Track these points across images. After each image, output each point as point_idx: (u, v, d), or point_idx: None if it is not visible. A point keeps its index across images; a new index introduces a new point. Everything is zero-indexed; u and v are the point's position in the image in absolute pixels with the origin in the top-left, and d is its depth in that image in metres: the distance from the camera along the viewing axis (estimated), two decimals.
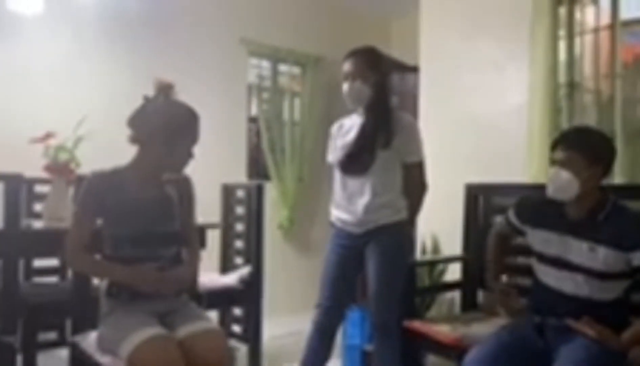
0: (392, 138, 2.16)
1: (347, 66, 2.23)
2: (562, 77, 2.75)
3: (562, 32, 2.76)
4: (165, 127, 1.76)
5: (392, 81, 4.36)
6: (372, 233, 2.19)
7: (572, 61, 2.75)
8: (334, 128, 2.40)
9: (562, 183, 1.76)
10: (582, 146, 1.77)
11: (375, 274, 2.19)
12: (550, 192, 1.81)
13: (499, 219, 2.16)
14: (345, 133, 2.30)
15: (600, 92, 2.68)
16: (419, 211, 2.31)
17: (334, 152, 2.32)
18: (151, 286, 1.75)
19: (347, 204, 2.23)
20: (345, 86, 2.22)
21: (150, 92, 1.86)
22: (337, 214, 2.29)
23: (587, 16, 2.77)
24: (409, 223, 2.28)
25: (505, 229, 2.10)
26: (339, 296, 2.27)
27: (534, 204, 1.99)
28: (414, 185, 2.26)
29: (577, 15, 2.77)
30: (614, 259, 1.72)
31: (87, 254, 1.77)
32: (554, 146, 1.83)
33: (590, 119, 2.66)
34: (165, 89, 1.82)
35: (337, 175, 2.29)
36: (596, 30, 2.72)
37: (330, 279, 2.28)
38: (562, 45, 2.76)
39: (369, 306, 2.24)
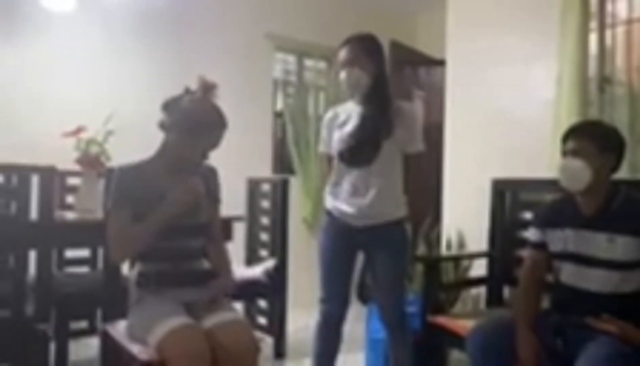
0: (393, 127, 2.10)
1: (344, 53, 2.17)
2: (592, 71, 2.69)
3: (592, 25, 2.70)
4: (188, 121, 1.79)
5: (418, 73, 4.35)
6: (374, 230, 2.13)
7: (603, 54, 2.69)
8: (328, 117, 2.31)
9: (575, 171, 1.76)
10: (592, 135, 1.79)
11: (387, 276, 2.16)
12: (564, 182, 1.80)
13: (524, 253, 2.07)
14: (342, 124, 2.21)
15: (632, 85, 2.62)
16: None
17: (333, 144, 2.21)
18: (185, 198, 1.79)
19: (350, 196, 2.14)
20: (343, 73, 2.15)
21: (177, 88, 1.89)
22: (337, 205, 2.19)
23: (619, 8, 2.70)
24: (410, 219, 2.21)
25: (536, 258, 1.97)
26: (341, 288, 2.22)
27: (548, 207, 2.00)
28: (411, 176, 2.19)
29: (609, 6, 2.71)
30: (633, 247, 1.71)
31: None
32: (565, 138, 1.84)
33: (621, 113, 2.60)
34: (207, 88, 1.85)
35: (338, 166, 2.20)
36: (629, 22, 2.66)
37: (330, 273, 2.23)
38: (592, 38, 2.70)
39: (378, 304, 2.22)
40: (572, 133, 1.83)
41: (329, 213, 2.25)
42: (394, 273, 2.17)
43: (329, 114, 2.32)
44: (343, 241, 2.20)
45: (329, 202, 2.24)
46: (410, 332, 2.25)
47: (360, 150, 2.11)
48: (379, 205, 2.11)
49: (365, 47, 2.16)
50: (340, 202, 2.18)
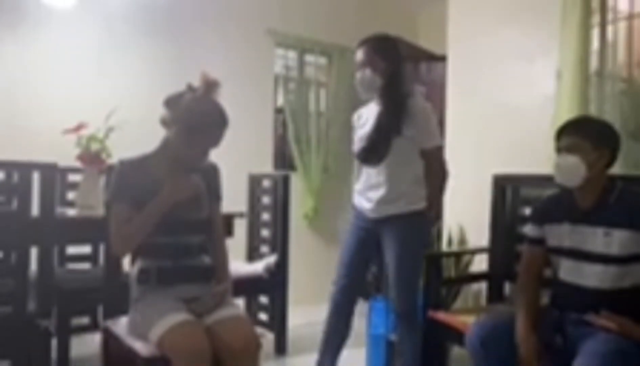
0: (403, 125, 2.15)
1: (358, 55, 2.23)
2: (593, 66, 2.68)
3: (594, 20, 2.69)
4: (189, 119, 1.78)
5: (419, 69, 4.35)
6: (388, 220, 2.23)
7: (604, 49, 2.68)
8: (354, 118, 2.43)
9: (569, 167, 1.76)
10: (585, 130, 1.79)
11: (395, 265, 2.23)
12: (559, 179, 1.81)
13: (523, 248, 2.06)
14: (363, 124, 2.32)
15: (633, 80, 2.62)
16: (441, 197, 2.31)
17: (355, 143, 2.36)
18: (178, 194, 1.79)
19: (366, 192, 2.28)
20: (357, 75, 2.23)
21: (178, 85, 1.89)
22: (358, 200, 2.35)
23: (621, 3, 2.69)
24: (430, 211, 2.27)
25: (533, 254, 1.98)
26: (354, 275, 2.32)
27: (546, 202, 2.01)
28: (433, 171, 2.25)
29: (610, 1, 2.70)
30: (630, 241, 1.71)
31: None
32: (558, 135, 1.85)
33: (621, 109, 2.60)
34: (209, 85, 1.83)
35: (358, 164, 2.36)
36: (630, 17, 2.65)
37: (347, 258, 2.34)
38: (594, 33, 2.69)
39: (390, 295, 2.28)
40: (565, 130, 1.84)
41: (354, 208, 2.39)
42: (404, 265, 2.22)
43: (355, 115, 2.43)
44: (362, 233, 2.33)
45: (355, 197, 2.39)
46: (419, 324, 2.30)
47: (373, 149, 2.21)
48: (390, 199, 2.21)
49: (377, 47, 2.21)
50: (360, 197, 2.33)
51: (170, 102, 1.84)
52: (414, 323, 2.27)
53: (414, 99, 2.23)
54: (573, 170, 1.76)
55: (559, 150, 1.82)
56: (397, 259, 2.22)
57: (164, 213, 1.77)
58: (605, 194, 1.79)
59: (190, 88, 1.85)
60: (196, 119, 1.79)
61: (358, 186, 2.36)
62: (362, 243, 2.33)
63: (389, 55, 2.21)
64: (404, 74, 2.27)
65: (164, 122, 1.84)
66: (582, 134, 1.78)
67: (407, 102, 2.19)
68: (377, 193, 2.22)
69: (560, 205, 1.90)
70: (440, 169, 2.27)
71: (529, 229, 2.01)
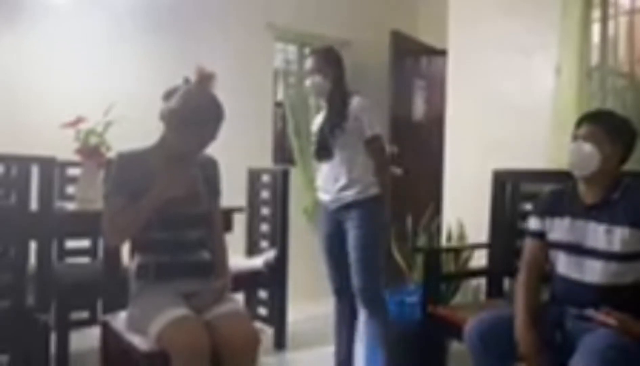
0: (343, 121, 2.37)
1: (308, 63, 2.52)
2: (594, 61, 2.67)
3: (595, 14, 2.68)
4: (183, 111, 1.77)
5: (420, 63, 4.33)
6: (344, 209, 2.41)
7: (605, 44, 2.67)
8: (312, 127, 2.64)
9: (584, 155, 1.76)
10: (606, 123, 1.80)
11: (353, 253, 2.38)
12: (571, 165, 1.81)
13: (525, 242, 2.04)
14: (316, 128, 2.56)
15: (635, 76, 2.61)
16: (385, 182, 2.44)
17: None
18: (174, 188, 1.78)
19: (324, 186, 2.50)
20: (308, 81, 2.51)
21: (177, 79, 1.88)
22: (319, 195, 2.56)
23: None
24: (382, 198, 2.42)
25: (534, 247, 1.96)
26: (342, 268, 2.46)
27: (549, 196, 2.00)
28: (375, 159, 2.42)
29: None
30: (631, 238, 1.71)
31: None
32: (579, 123, 1.85)
33: (623, 104, 2.59)
34: (204, 78, 1.82)
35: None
36: (631, 12, 2.63)
37: (324, 251, 2.56)
38: (595, 28, 2.68)
39: (353, 282, 2.40)
40: (587, 119, 1.84)
41: (320, 203, 2.58)
42: (360, 251, 2.35)
43: (313, 124, 2.64)
44: (330, 225, 2.50)
45: (318, 194, 2.59)
46: (386, 311, 2.45)
47: (321, 147, 2.46)
48: (346, 187, 2.39)
49: (326, 57, 2.49)
50: (320, 192, 2.54)
51: (167, 95, 1.83)
52: (380, 309, 2.41)
53: (354, 98, 2.44)
54: (587, 158, 1.76)
55: (576, 138, 1.82)
56: (354, 248, 2.37)
57: (157, 209, 1.75)
58: (609, 191, 1.79)
59: (186, 81, 1.84)
60: (189, 111, 1.77)
61: (318, 183, 2.56)
62: (330, 234, 2.49)
63: (335, 64, 2.47)
64: (346, 79, 2.52)
65: (162, 116, 1.83)
66: (602, 125, 1.78)
67: (348, 101, 2.42)
68: (335, 185, 2.41)
69: (563, 199, 1.90)
70: (379, 156, 2.43)
71: (530, 223, 2.00)
